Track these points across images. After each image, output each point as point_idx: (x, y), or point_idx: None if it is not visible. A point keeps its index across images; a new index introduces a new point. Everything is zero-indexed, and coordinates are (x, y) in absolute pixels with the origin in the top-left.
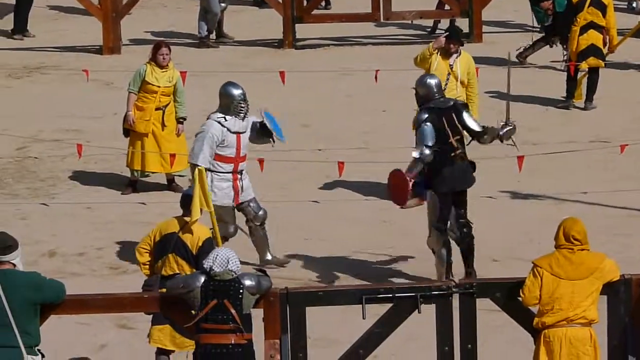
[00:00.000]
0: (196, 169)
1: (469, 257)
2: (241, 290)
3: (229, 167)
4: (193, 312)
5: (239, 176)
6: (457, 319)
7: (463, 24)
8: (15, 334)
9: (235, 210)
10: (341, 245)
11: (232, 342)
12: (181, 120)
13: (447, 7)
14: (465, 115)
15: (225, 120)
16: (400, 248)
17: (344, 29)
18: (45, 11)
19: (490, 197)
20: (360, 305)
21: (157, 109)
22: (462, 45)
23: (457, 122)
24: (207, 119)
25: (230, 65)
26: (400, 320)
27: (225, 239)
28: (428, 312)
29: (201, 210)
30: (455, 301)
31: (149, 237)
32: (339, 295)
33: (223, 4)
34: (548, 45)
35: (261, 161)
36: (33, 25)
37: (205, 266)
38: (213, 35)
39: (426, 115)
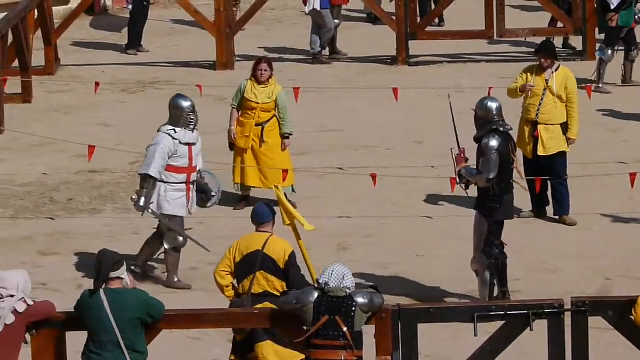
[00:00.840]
0: (274, 187)
1: (502, 277)
2: (354, 308)
3: (182, 177)
4: (305, 327)
5: (191, 187)
6: (570, 337)
7: (576, 41)
8: (123, 352)
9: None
10: (453, 262)
11: (342, 358)
12: (287, 135)
13: (559, 24)
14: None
15: (175, 132)
16: (512, 265)
17: (457, 46)
18: (159, 26)
19: (602, 214)
20: (472, 323)
21: (257, 124)
22: (555, 59)
23: (514, 151)
24: (158, 131)
25: (343, 81)
26: (512, 337)
27: (176, 249)
28: (540, 330)
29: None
30: (568, 319)
31: (227, 259)
32: (450, 313)
33: (337, 21)
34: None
35: (374, 177)
36: (147, 40)
37: (320, 281)
38: (326, 52)
39: (497, 143)
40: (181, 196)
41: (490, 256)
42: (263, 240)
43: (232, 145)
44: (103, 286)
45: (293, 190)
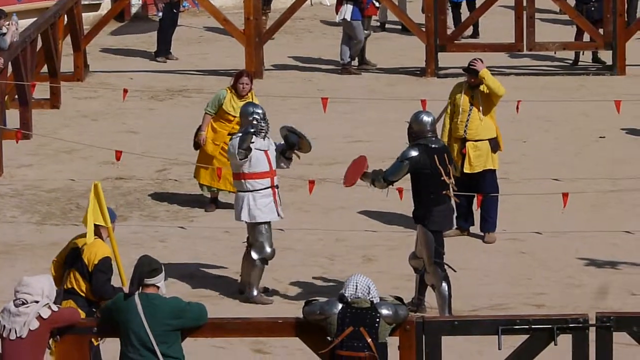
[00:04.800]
0: (92, 184)
1: (423, 285)
2: (377, 319)
3: (267, 182)
4: (329, 338)
5: (276, 190)
6: (594, 352)
7: (606, 56)
8: (158, 357)
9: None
10: (478, 275)
11: None
12: None
13: (586, 38)
14: (452, 160)
15: None
16: (538, 279)
17: (486, 58)
18: (188, 34)
19: (628, 232)
20: (496, 336)
21: (229, 134)
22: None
23: (447, 163)
24: (230, 140)
25: (372, 92)
26: (536, 351)
27: (264, 260)
28: (564, 344)
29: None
30: (592, 334)
31: (63, 250)
32: (475, 325)
33: (367, 31)
34: None
35: (400, 190)
36: (176, 47)
37: (346, 294)
38: (355, 62)
39: (414, 154)
40: (270, 201)
41: (443, 268)
42: (87, 240)
43: (197, 145)
44: (138, 291)
45: None
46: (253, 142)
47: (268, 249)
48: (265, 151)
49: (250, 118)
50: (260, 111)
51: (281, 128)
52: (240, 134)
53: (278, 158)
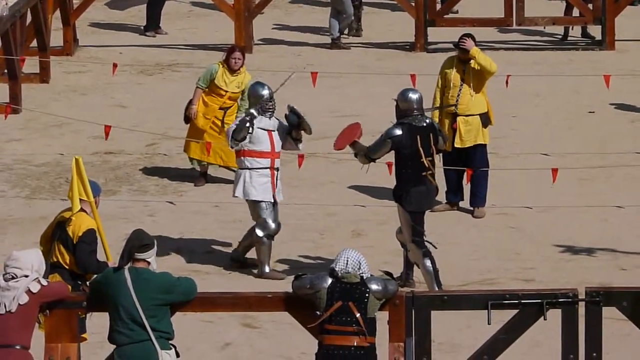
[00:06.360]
0: (73, 159)
1: (409, 260)
2: (367, 294)
3: (266, 162)
4: (318, 312)
5: (275, 172)
6: (583, 327)
7: (595, 31)
8: (148, 331)
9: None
10: (468, 249)
11: (355, 344)
12: None
13: (575, 13)
14: (439, 137)
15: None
16: (527, 254)
17: (476, 33)
18: (177, 8)
19: (619, 206)
20: (486, 311)
21: (220, 108)
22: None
23: (432, 143)
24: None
25: (361, 67)
26: (525, 326)
27: (269, 237)
28: (554, 319)
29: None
30: (582, 309)
31: (50, 226)
32: (464, 300)
33: None
34: None
35: (389, 165)
36: (165, 22)
37: (336, 269)
38: (350, 28)
39: (398, 133)
40: (266, 181)
41: (421, 245)
42: (71, 214)
43: (187, 118)
44: (128, 265)
45: None
46: (251, 133)
47: (272, 224)
48: (270, 131)
49: (262, 101)
50: (268, 92)
51: (287, 106)
52: (238, 121)
53: (286, 139)
